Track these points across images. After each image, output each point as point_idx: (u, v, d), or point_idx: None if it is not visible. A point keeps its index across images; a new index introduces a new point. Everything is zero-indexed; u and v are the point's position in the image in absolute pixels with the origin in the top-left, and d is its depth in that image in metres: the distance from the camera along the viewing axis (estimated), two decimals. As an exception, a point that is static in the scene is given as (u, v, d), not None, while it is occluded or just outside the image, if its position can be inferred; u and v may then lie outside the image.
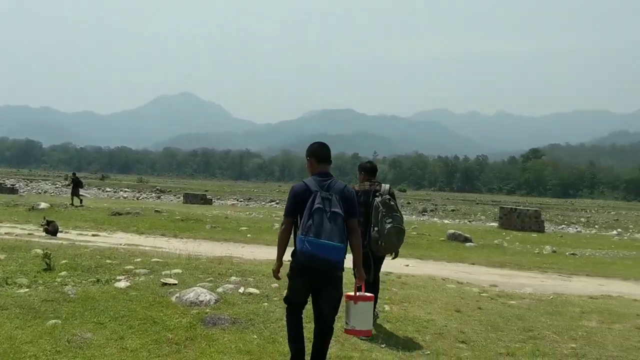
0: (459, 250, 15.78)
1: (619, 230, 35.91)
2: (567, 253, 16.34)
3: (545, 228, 28.06)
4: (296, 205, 3.92)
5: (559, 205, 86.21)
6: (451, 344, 5.13)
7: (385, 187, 5.65)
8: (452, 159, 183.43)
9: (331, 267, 3.80)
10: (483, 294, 7.91)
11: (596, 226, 40.23)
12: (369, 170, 5.78)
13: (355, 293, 4.20)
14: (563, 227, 36.23)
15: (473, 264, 12.79)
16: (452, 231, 18.26)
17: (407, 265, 11.60)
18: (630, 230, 37.35)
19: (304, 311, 4.12)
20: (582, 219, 48.75)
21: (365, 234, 5.29)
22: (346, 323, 4.23)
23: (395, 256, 5.68)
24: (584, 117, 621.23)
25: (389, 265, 7.34)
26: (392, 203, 5.43)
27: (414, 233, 19.11)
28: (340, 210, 3.84)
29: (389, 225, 5.29)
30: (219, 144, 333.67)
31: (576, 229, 35.85)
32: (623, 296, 8.61)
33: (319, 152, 4.13)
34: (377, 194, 5.52)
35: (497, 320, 6.13)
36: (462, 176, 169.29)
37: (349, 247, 3.96)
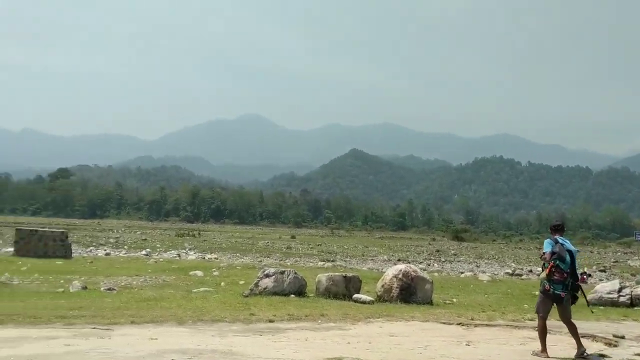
0: None
1: (148, 249, 35.23)
2: (102, 288, 12.76)
3: (73, 252, 24.12)
4: None
5: (87, 225, 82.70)
6: None
7: None
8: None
9: None
10: None
11: (125, 247, 38.59)
12: None
13: None
14: (92, 250, 32.96)
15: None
16: None
17: None
18: (158, 250, 37.14)
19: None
20: (112, 240, 46.67)
21: None
22: None
23: None
24: (112, 141, 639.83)
25: None
26: None
27: None
28: None
29: None
30: None
31: (105, 250, 33.13)
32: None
33: None
34: None
35: None
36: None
37: None
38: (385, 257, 44.87)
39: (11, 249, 23.80)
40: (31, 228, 25.02)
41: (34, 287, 12.89)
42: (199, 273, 17.20)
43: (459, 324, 9.84)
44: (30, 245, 21.85)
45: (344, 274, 12.11)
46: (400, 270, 11.92)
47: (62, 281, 13.94)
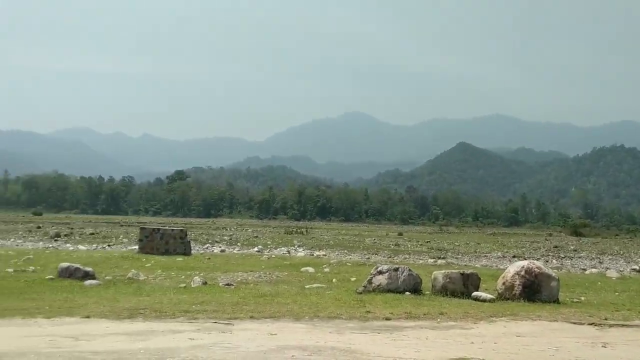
0: (73, 293, 10.97)
1: (260, 246, 36.20)
2: (220, 283, 13.18)
3: (192, 249, 25.34)
4: None
5: (202, 224, 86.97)
6: None
7: None
8: (96, 180, 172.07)
9: None
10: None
11: (239, 244, 39.97)
12: None
13: None
14: (208, 247, 34.46)
15: (88, 316, 8.33)
16: (66, 264, 13.17)
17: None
18: (269, 246, 38.07)
19: None
20: (225, 237, 48.53)
21: None
22: None
23: None
24: (222, 143, 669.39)
25: None
26: None
27: (10, 270, 13.38)
28: None
29: None
30: None
31: (220, 247, 34.51)
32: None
33: None
34: None
35: None
36: (107, 197, 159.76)
37: None
38: (499, 253, 43.05)
39: (136, 247, 25.43)
40: (153, 227, 26.51)
41: (158, 282, 13.56)
42: (310, 269, 17.34)
43: (591, 324, 9.08)
44: (153, 243, 23.14)
45: (461, 271, 11.61)
46: (523, 267, 11.21)
47: (183, 277, 14.57)
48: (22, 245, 30.77)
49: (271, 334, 7.36)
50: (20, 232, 44.65)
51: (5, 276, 13.07)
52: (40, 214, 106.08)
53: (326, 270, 17.72)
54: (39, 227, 53.13)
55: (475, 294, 10.99)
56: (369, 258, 29.21)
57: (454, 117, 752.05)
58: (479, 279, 11.73)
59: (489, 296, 10.92)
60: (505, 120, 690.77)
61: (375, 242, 49.79)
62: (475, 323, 8.73)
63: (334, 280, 14.73)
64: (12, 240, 35.11)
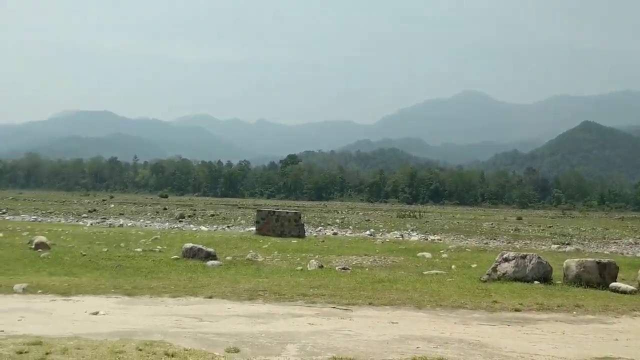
0: (196, 273, 11.36)
1: (372, 230, 35.97)
2: (336, 267, 13.09)
3: (305, 231, 25.68)
4: None
5: (314, 207, 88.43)
6: None
7: None
8: (216, 164, 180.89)
9: None
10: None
11: (350, 227, 40.06)
12: None
13: None
14: (320, 230, 34.84)
15: (211, 297, 8.50)
16: (190, 245, 13.70)
17: (97, 313, 6.77)
18: (381, 230, 37.76)
19: None
20: (337, 220, 48.88)
21: None
22: None
23: None
24: (333, 127, 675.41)
25: None
26: None
27: (139, 250, 14.17)
28: None
29: None
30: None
31: (332, 230, 34.75)
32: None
33: None
34: None
35: None
36: (225, 181, 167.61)
37: None
38: (630, 240, 39.67)
39: (253, 228, 26.23)
40: (269, 209, 27.19)
41: (275, 264, 13.75)
42: (427, 255, 16.79)
43: None
44: (269, 225, 23.72)
45: (597, 260, 10.58)
46: (671, 257, 9.98)
47: (298, 259, 14.67)
48: (150, 225, 32.92)
49: (392, 322, 7.06)
50: (148, 214, 47.91)
51: (135, 256, 13.89)
52: (166, 197, 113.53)
53: (444, 255, 17.08)
54: (165, 209, 56.76)
55: (613, 284, 9.96)
56: (487, 243, 28.06)
57: (578, 94, 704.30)
58: (617, 268, 10.64)
59: (630, 287, 9.86)
60: (636, 96, 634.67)
61: (494, 227, 47.83)
62: (616, 317, 7.88)
63: (453, 266, 14.13)
64: (141, 220, 37.69)
